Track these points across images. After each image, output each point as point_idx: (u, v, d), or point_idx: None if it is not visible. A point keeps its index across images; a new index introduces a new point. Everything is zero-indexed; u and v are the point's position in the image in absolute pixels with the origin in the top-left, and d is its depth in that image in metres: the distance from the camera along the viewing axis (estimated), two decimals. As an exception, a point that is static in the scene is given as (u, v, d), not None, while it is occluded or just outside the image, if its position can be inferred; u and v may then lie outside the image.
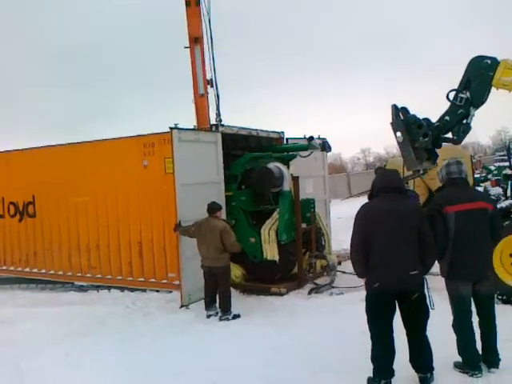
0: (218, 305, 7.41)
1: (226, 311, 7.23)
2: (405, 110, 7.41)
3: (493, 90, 6.81)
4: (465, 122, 6.87)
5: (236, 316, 7.23)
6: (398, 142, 7.12)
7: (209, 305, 7.42)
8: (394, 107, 7.40)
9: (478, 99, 6.89)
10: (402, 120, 7.23)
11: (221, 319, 7.19)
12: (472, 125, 6.97)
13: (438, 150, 7.24)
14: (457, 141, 7.03)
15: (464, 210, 4.66)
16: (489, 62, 6.72)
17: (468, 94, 6.82)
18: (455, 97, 6.98)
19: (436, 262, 4.69)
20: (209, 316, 7.33)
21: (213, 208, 7.52)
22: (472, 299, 4.76)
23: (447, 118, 6.99)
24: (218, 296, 7.42)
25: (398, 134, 7.10)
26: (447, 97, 7.07)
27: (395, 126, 7.24)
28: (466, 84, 6.87)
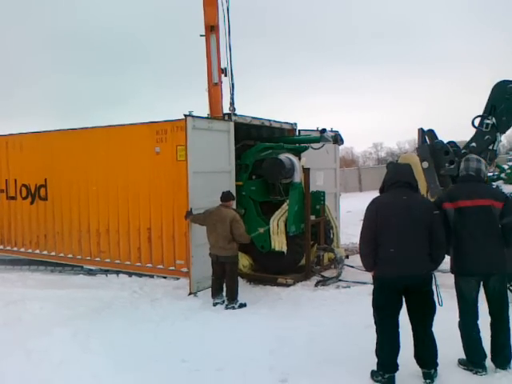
0: (224, 293, 7.45)
1: (232, 300, 7.27)
2: (432, 132, 7.39)
3: None
4: (491, 148, 6.87)
5: (242, 305, 7.27)
6: (423, 169, 7.08)
7: (215, 293, 7.46)
8: (421, 131, 7.37)
9: (504, 124, 6.90)
10: (429, 145, 7.20)
11: (227, 307, 7.22)
12: (498, 151, 6.93)
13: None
14: None
15: (463, 206, 4.63)
16: None
17: (494, 119, 6.82)
18: (481, 123, 6.96)
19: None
20: (215, 304, 7.37)
21: (227, 196, 7.53)
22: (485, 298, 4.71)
23: (473, 144, 6.98)
24: (225, 285, 7.45)
25: (424, 162, 7.07)
26: (472, 123, 7.05)
27: (421, 151, 7.27)
28: (490, 109, 6.86)
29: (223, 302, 7.38)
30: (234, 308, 7.19)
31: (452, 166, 7.01)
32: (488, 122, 6.86)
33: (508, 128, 7.07)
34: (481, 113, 7.03)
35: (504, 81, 6.88)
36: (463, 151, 7.03)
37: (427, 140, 7.29)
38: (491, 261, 4.61)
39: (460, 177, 4.96)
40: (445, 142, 7.29)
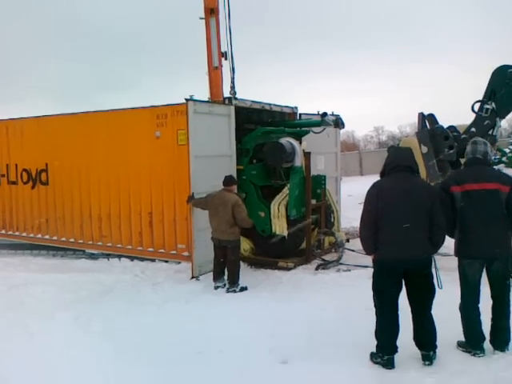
0: (226, 277, 7.48)
1: (233, 283, 7.31)
2: (432, 117, 7.35)
3: None
4: (491, 133, 6.87)
5: (243, 288, 7.31)
6: (422, 153, 7.05)
7: (217, 276, 7.50)
8: (422, 115, 7.33)
9: (504, 109, 6.90)
10: (429, 130, 7.15)
11: (228, 291, 7.27)
12: (497, 136, 6.92)
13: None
14: None
15: (470, 189, 4.62)
16: None
17: (493, 104, 6.82)
18: (480, 108, 6.95)
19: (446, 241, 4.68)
20: (217, 287, 7.42)
21: (229, 180, 7.53)
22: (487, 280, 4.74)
23: (473, 129, 6.98)
24: (226, 268, 7.48)
25: (423, 147, 7.06)
26: (472, 108, 7.04)
27: (421, 136, 7.27)
28: (490, 94, 6.85)
29: (224, 285, 7.42)
30: (235, 291, 7.23)
31: (451, 151, 7.01)
32: (488, 107, 6.87)
33: (508, 113, 7.05)
34: (480, 97, 6.99)
35: (504, 65, 6.85)
36: (463, 136, 7.01)
37: (427, 125, 7.26)
38: (496, 244, 4.63)
39: (467, 159, 4.90)
40: (445, 126, 7.26)
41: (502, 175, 4.85)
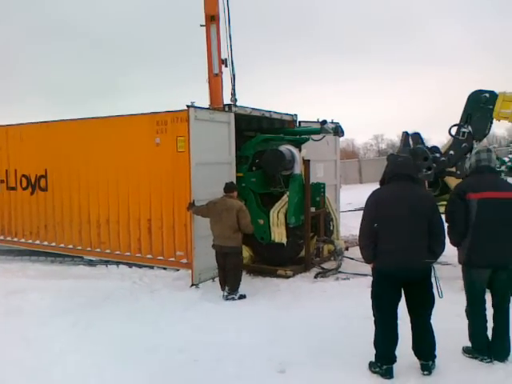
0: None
1: (233, 291, 7.26)
2: (417, 136, 7.70)
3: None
4: (468, 156, 7.02)
5: (242, 296, 7.27)
6: None
7: (224, 284, 7.40)
8: (405, 134, 7.73)
9: (480, 132, 7.25)
10: (410, 149, 7.47)
11: (227, 298, 7.22)
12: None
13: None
14: (459, 176, 7.37)
15: (488, 198, 4.60)
16: (487, 95, 7.14)
17: (470, 127, 7.18)
18: (457, 131, 7.31)
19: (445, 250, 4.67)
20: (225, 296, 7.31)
21: (230, 187, 7.54)
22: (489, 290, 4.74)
23: (451, 152, 7.37)
24: (227, 275, 7.39)
25: None
26: (449, 132, 7.46)
27: (401, 154, 7.47)
28: (467, 118, 7.22)
29: (229, 293, 7.34)
30: (233, 299, 7.19)
31: (429, 172, 7.31)
32: (464, 130, 7.22)
33: (484, 136, 7.44)
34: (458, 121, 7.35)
35: (478, 90, 7.24)
36: (442, 159, 7.25)
37: (411, 143, 7.51)
38: (506, 254, 4.64)
39: (478, 167, 4.83)
40: (430, 145, 7.54)
41: (511, 184, 4.88)
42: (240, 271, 7.47)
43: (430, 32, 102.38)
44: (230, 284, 7.32)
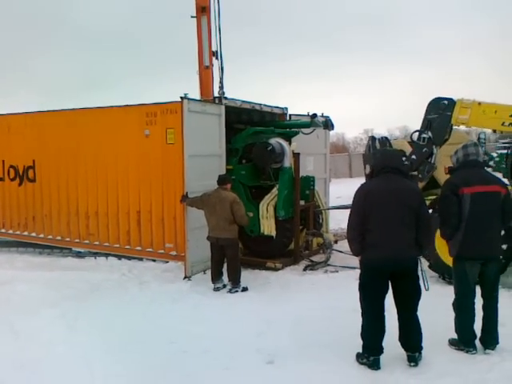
0: (225, 277, 7.42)
1: (235, 283, 7.26)
2: (386, 140, 8.07)
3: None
4: (429, 160, 7.53)
5: (245, 289, 7.26)
6: (366, 174, 7.62)
7: (216, 278, 7.41)
8: (371, 139, 8.12)
9: (440, 137, 7.55)
10: (372, 154, 7.70)
11: (231, 292, 7.20)
12: (436, 164, 7.58)
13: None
14: (421, 179, 7.64)
15: (480, 191, 4.68)
16: (446, 102, 7.44)
17: (430, 133, 7.49)
18: (418, 137, 7.64)
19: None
20: (217, 289, 7.32)
21: (225, 179, 7.54)
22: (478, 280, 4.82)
23: (414, 157, 7.63)
24: (225, 269, 7.41)
25: (367, 167, 7.68)
26: (411, 138, 7.80)
27: (365, 158, 8.03)
28: (427, 124, 7.52)
29: (224, 286, 7.36)
30: (237, 292, 7.18)
31: None
32: (425, 136, 7.51)
33: (444, 141, 7.65)
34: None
35: (438, 98, 7.51)
36: (405, 163, 7.48)
37: (377, 146, 7.86)
38: (495, 245, 4.79)
39: (466, 162, 4.90)
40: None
41: (498, 179, 5.07)
42: (239, 262, 7.48)
43: (418, 27, 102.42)
44: (231, 277, 7.31)
